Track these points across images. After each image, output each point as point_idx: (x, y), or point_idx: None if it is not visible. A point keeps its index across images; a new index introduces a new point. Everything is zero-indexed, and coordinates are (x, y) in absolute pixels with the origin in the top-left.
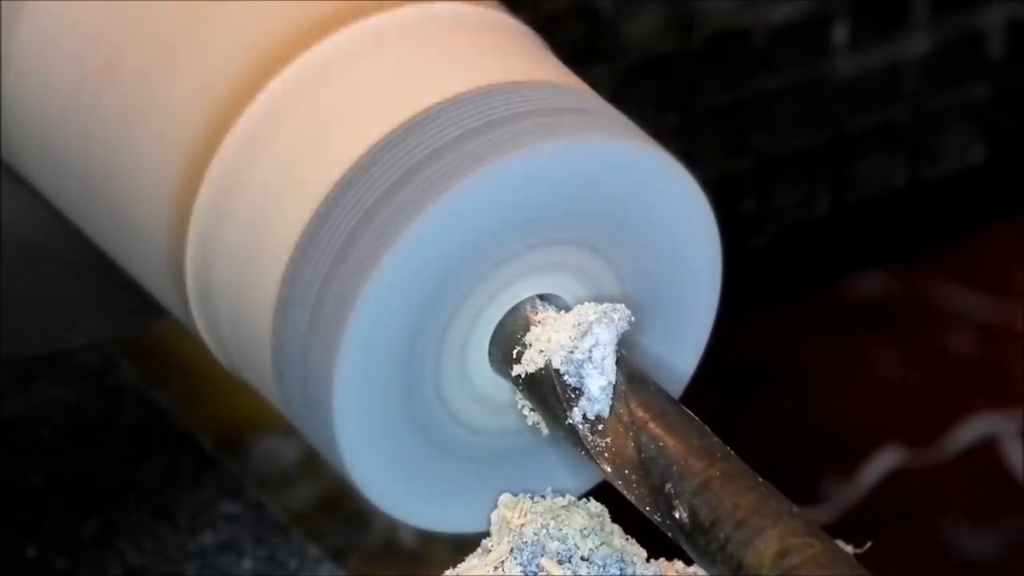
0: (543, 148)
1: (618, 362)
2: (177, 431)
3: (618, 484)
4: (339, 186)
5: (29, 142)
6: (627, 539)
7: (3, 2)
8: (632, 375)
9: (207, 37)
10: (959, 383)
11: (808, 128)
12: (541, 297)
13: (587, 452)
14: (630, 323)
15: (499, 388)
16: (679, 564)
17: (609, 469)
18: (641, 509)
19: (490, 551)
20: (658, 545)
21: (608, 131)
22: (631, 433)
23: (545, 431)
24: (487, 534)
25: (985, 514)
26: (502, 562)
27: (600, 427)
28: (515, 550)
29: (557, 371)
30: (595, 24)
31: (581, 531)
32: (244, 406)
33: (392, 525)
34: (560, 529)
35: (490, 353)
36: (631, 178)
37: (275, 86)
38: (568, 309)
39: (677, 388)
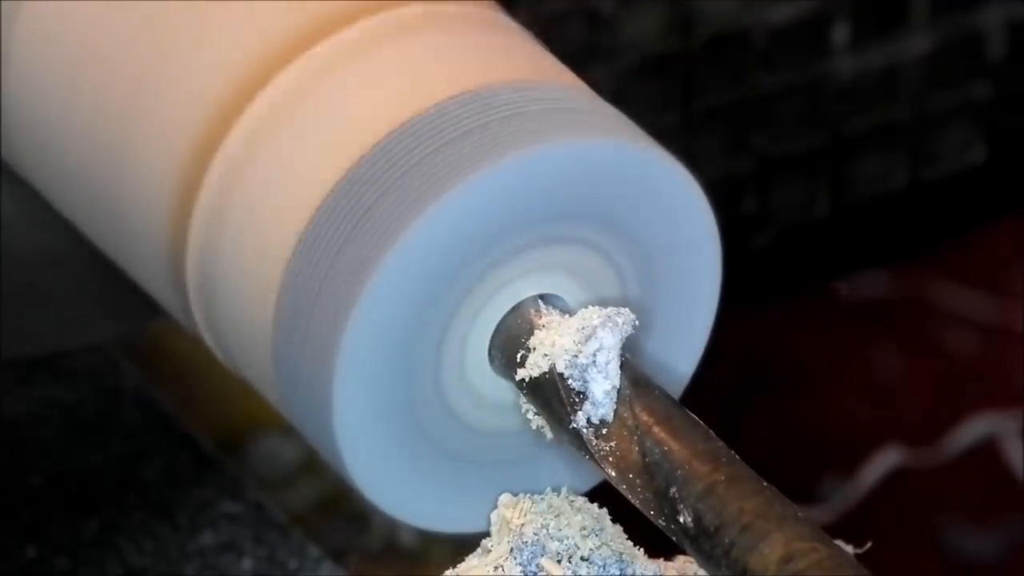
0: (543, 148)
1: (622, 366)
2: (177, 431)
3: (622, 488)
4: (339, 186)
5: (29, 143)
6: (627, 539)
7: (3, 2)
8: (636, 379)
9: (207, 37)
10: (959, 383)
11: (808, 128)
12: (541, 297)
13: (591, 456)
14: (634, 327)
15: (499, 388)
16: (679, 564)
17: (613, 473)
18: (645, 513)
19: (490, 551)
20: (658, 545)
21: (608, 131)
22: (635, 437)
23: (549, 435)
24: (487, 534)
25: (985, 514)
26: (502, 562)
27: (604, 431)
28: (515, 550)
29: (561, 375)
30: (595, 24)
31: (581, 531)
32: (244, 406)
33: (392, 525)
34: (560, 529)
35: (494, 357)
36: (631, 178)
37: (275, 86)
38: (569, 311)
39: (677, 388)
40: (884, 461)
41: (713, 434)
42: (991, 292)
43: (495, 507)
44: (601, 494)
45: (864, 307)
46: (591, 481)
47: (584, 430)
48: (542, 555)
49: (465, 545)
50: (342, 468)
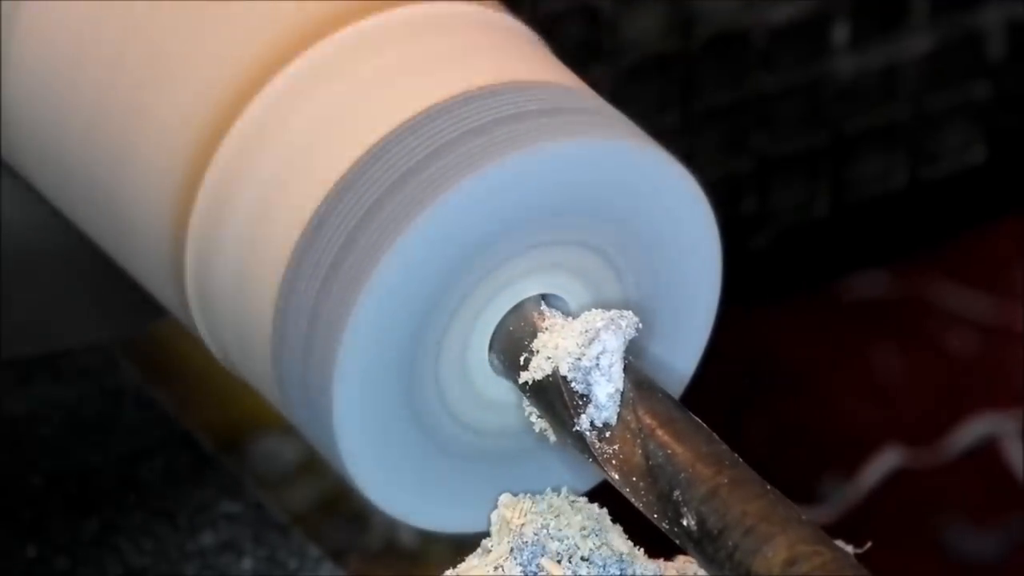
0: (543, 148)
1: (625, 369)
2: (177, 431)
3: (626, 491)
4: (339, 186)
5: (29, 142)
6: (627, 539)
7: (3, 2)
8: (640, 382)
9: (207, 37)
10: (959, 383)
11: (808, 128)
12: (542, 298)
13: (595, 459)
14: (638, 330)
15: (499, 388)
16: (679, 564)
17: (617, 476)
18: (649, 516)
19: (490, 551)
20: (658, 545)
21: (608, 131)
22: (639, 440)
23: (552, 438)
24: (487, 534)
25: (985, 514)
26: (502, 562)
27: (608, 434)
28: (515, 550)
29: (564, 378)
30: (595, 24)
31: (581, 531)
32: (244, 406)
33: (392, 525)
34: (560, 529)
35: (496, 359)
36: (631, 178)
37: (275, 86)
38: (570, 313)
39: (677, 388)
40: (884, 461)
41: (716, 437)
42: (991, 292)
43: (495, 507)
44: (601, 494)
45: (864, 307)
46: (591, 481)
47: (587, 433)
48: (542, 555)
49: (465, 545)
50: (342, 468)
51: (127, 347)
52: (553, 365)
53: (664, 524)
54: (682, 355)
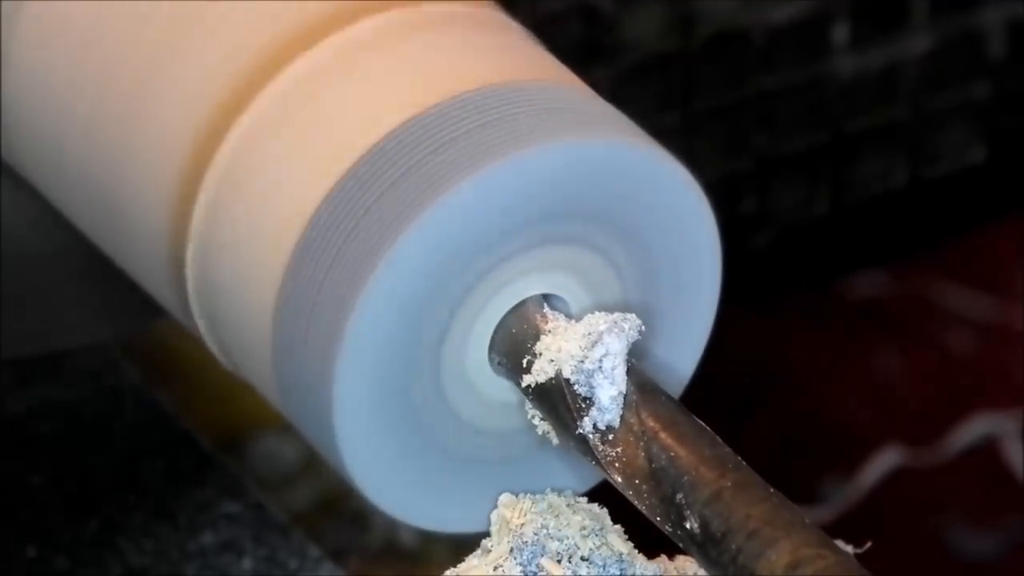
0: (543, 148)
1: (628, 372)
2: (177, 431)
3: (629, 494)
4: (339, 186)
5: (29, 143)
6: (627, 539)
7: (3, 3)
8: (643, 385)
9: (207, 37)
10: (959, 383)
11: (808, 128)
12: (543, 298)
13: (598, 462)
14: (640, 332)
15: (499, 388)
16: (679, 563)
17: (620, 479)
18: (652, 519)
19: (490, 551)
20: (658, 545)
21: (608, 131)
22: (642, 443)
23: (555, 441)
24: (487, 534)
25: (985, 514)
26: (502, 562)
27: (610, 437)
28: (515, 550)
29: (567, 381)
30: (595, 24)
31: (581, 531)
32: (244, 406)
33: (392, 525)
34: (560, 529)
35: (499, 361)
36: (631, 178)
37: (274, 86)
38: (570, 313)
39: (677, 388)
40: (884, 461)
41: (720, 440)
42: (991, 292)
43: (495, 507)
44: (601, 494)
45: (864, 307)
46: (591, 481)
47: (590, 436)
48: (542, 555)
49: (465, 545)
50: (342, 468)
51: (127, 347)
52: (556, 368)
53: (667, 527)
54: (682, 355)
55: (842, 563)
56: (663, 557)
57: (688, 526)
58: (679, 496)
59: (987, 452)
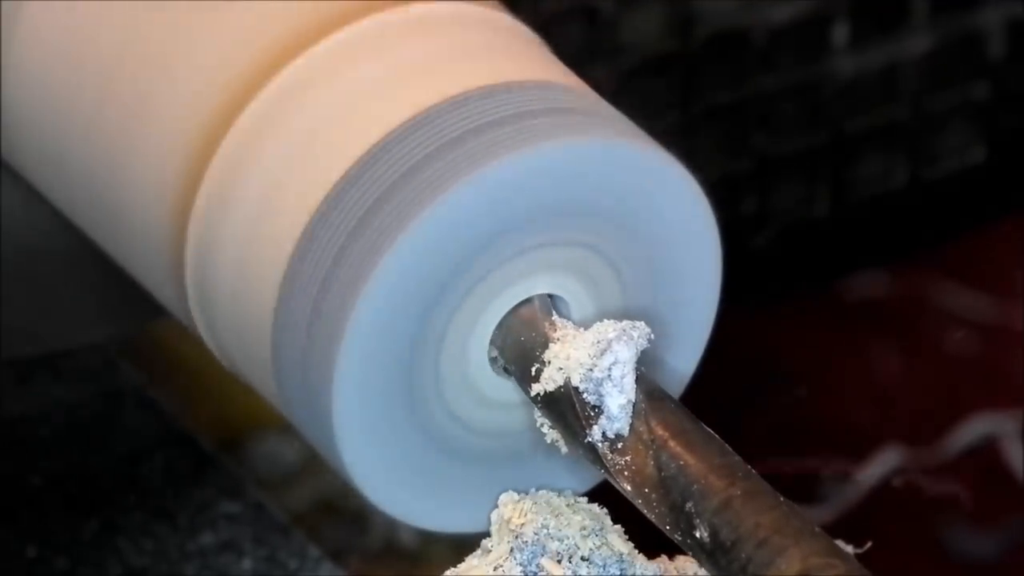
0: (543, 148)
1: (637, 380)
2: (177, 431)
3: (638, 503)
4: (339, 186)
5: (29, 143)
6: (627, 539)
7: (3, 3)
8: (652, 393)
9: (206, 37)
10: (959, 383)
11: (808, 128)
12: (543, 297)
13: (607, 470)
14: (650, 340)
15: (500, 388)
16: (679, 563)
17: (629, 488)
18: (661, 528)
19: (490, 551)
20: (658, 545)
21: (608, 131)
22: (651, 451)
23: (564, 449)
24: (487, 534)
25: (985, 514)
26: (502, 562)
27: (620, 445)
28: (515, 550)
29: (576, 389)
30: (595, 24)
31: (581, 531)
32: (244, 406)
33: (392, 525)
34: (560, 529)
35: (507, 368)
36: (631, 178)
37: (275, 86)
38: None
39: (677, 388)
40: (884, 461)
41: (729, 448)
42: (991, 292)
43: (495, 507)
44: (601, 494)
45: (864, 307)
46: (591, 481)
47: (599, 444)
48: (542, 555)
49: (465, 545)
50: (342, 468)
51: (127, 347)
52: (565, 376)
53: (677, 536)
54: (682, 355)
55: (852, 572)
56: (663, 557)
57: (698, 535)
58: (688, 505)
59: (987, 452)
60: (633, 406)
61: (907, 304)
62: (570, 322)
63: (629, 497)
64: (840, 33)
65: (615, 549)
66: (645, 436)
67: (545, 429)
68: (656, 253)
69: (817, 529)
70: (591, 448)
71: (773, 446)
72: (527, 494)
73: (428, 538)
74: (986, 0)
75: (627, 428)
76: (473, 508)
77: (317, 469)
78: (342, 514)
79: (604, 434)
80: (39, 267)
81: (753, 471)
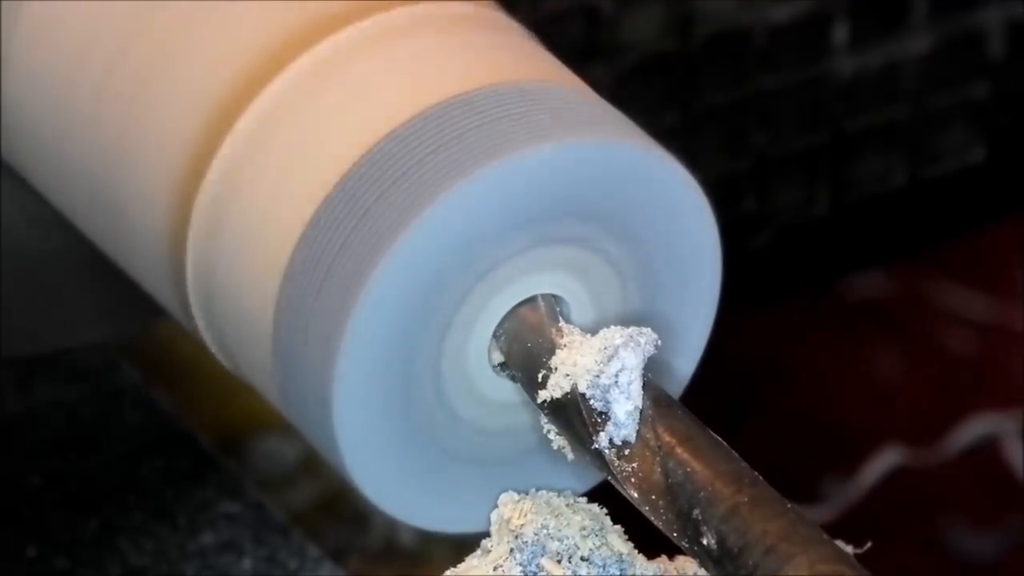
0: (543, 148)
1: (644, 386)
2: (177, 431)
3: (645, 510)
4: (339, 186)
5: (29, 143)
6: (627, 539)
7: (3, 3)
8: (659, 399)
9: (206, 38)
10: (959, 383)
11: (808, 128)
12: (543, 298)
13: (613, 477)
14: (656, 347)
15: (500, 388)
16: (679, 563)
17: (636, 495)
18: (668, 535)
19: (490, 551)
20: (658, 545)
21: (608, 131)
22: (658, 458)
23: (570, 455)
24: (487, 534)
25: (985, 514)
26: (502, 562)
27: (626, 452)
28: (515, 550)
29: (583, 395)
30: (595, 24)
31: (581, 531)
32: (244, 406)
33: (392, 525)
34: (560, 529)
35: (514, 376)
36: (631, 178)
37: (274, 87)
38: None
39: (677, 388)
40: (884, 461)
41: (736, 455)
42: (991, 292)
43: (495, 507)
44: (601, 494)
45: (864, 307)
46: (591, 481)
47: (606, 451)
48: (542, 555)
49: (465, 545)
50: (342, 468)
51: (127, 347)
52: (571, 383)
53: (684, 543)
54: (682, 355)
55: None
56: (663, 557)
57: (705, 542)
58: (696, 511)
59: (987, 452)
60: (640, 413)
61: (907, 304)
62: (577, 328)
63: (636, 504)
64: (840, 33)
65: (615, 549)
66: (652, 443)
67: (552, 435)
68: (656, 253)
69: (825, 536)
70: (598, 455)
71: (773, 446)
72: (527, 494)
73: (428, 538)
74: (986, 0)
75: (634, 435)
76: (473, 508)
77: (317, 469)
78: (342, 514)
79: (611, 441)
80: (39, 267)
81: (760, 477)
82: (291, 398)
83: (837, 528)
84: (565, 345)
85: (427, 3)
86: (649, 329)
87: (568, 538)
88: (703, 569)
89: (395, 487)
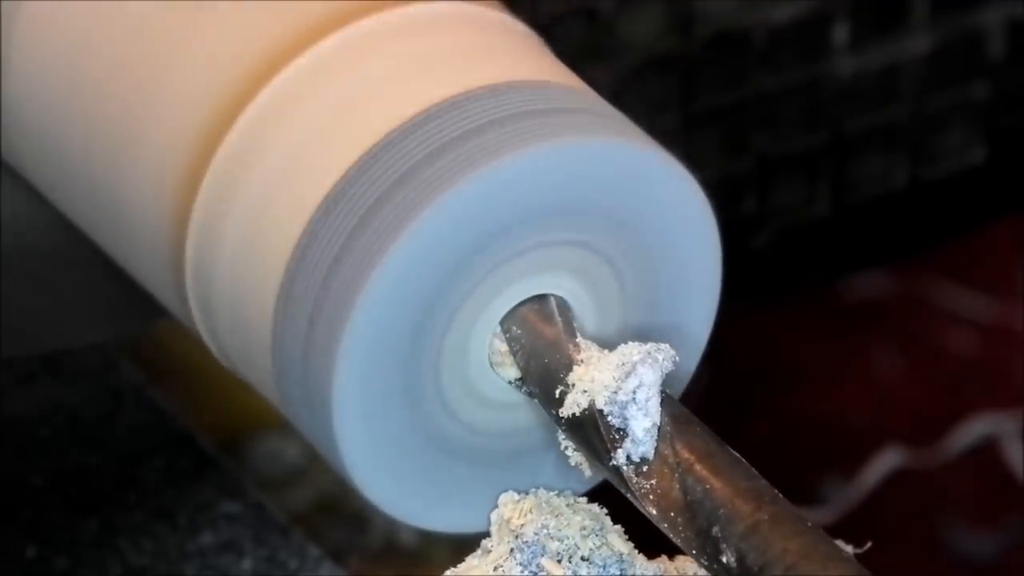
0: (543, 148)
1: (662, 403)
2: (177, 431)
3: (664, 527)
4: (339, 186)
5: (29, 143)
6: (627, 539)
7: (3, 3)
8: (677, 416)
9: (207, 37)
10: (959, 383)
11: (808, 128)
12: (542, 298)
13: (632, 494)
14: (675, 363)
15: (500, 388)
16: (679, 564)
17: (655, 512)
18: (688, 552)
19: (490, 551)
20: (659, 545)
21: (608, 131)
22: (676, 475)
23: (588, 472)
24: (487, 534)
25: (985, 514)
26: (502, 562)
27: (645, 469)
28: (515, 550)
29: (601, 412)
30: (595, 24)
31: (581, 531)
32: (244, 406)
33: (392, 525)
34: (560, 529)
35: (531, 393)
36: (631, 178)
37: (274, 86)
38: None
39: (677, 388)
40: (884, 461)
41: (755, 472)
42: (991, 292)
43: (495, 507)
44: (601, 494)
45: (864, 307)
46: (591, 481)
47: (625, 468)
48: (542, 555)
49: (465, 545)
50: (342, 468)
51: (127, 347)
52: (589, 399)
53: (703, 560)
54: (682, 355)
55: None
56: (663, 557)
57: (724, 559)
58: (715, 529)
59: (987, 452)
60: (658, 429)
61: (907, 304)
62: (594, 344)
63: (655, 521)
64: (840, 33)
65: (615, 549)
66: (671, 460)
67: (569, 452)
68: (656, 253)
69: (845, 554)
70: (616, 472)
71: (773, 446)
72: (527, 494)
73: (428, 538)
74: (986, 0)
75: (652, 452)
76: (473, 508)
77: (317, 469)
78: (342, 514)
79: (629, 457)
80: (39, 267)
81: (780, 495)
82: (291, 398)
83: (837, 528)
84: (582, 361)
85: (427, 3)
86: (667, 345)
87: (568, 538)
88: (702, 569)
89: (395, 487)
